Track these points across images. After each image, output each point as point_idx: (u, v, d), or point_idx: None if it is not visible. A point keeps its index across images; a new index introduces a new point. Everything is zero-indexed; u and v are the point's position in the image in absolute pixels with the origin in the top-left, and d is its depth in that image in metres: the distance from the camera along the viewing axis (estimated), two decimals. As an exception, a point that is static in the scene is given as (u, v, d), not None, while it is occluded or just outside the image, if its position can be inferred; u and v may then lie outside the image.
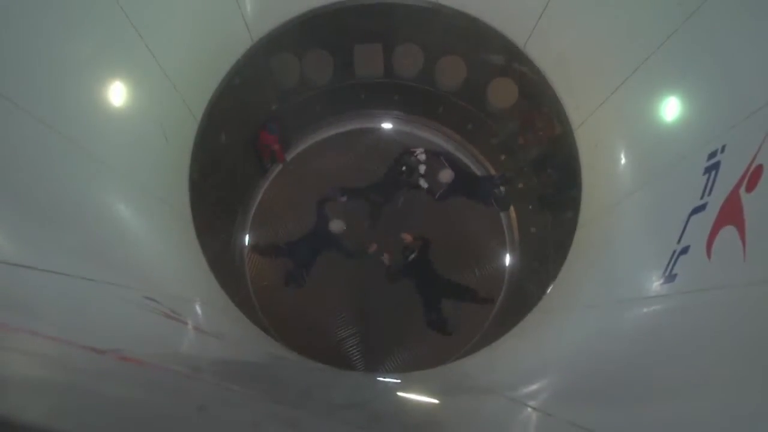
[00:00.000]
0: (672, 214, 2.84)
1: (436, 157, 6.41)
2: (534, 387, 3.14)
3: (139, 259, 3.37)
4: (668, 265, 2.72)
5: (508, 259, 6.37)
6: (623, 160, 3.90)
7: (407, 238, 6.05)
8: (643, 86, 3.59)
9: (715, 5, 2.84)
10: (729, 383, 1.81)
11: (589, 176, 4.55)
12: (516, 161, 6.17)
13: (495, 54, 5.28)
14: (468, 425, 2.65)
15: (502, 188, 6.25)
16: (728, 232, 2.27)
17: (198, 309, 3.77)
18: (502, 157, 6.32)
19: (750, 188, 2.20)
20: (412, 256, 5.93)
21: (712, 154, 2.64)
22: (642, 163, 3.66)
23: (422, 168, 6.31)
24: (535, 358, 3.89)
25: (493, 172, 6.47)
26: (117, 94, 3.33)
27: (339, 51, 5.80)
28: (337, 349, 6.01)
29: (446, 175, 6.17)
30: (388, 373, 5.91)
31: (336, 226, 6.02)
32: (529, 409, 2.63)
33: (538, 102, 5.22)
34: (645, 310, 2.86)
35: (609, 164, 4.07)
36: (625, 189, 3.74)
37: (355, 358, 6.04)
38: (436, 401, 3.54)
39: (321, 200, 6.20)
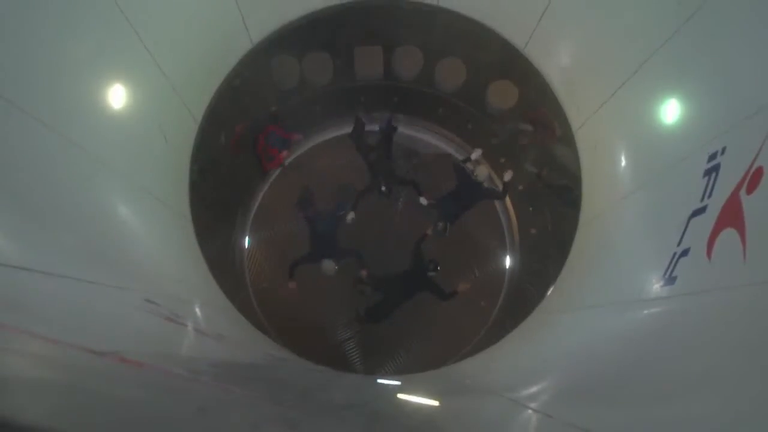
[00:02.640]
0: (672, 216, 2.84)
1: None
2: (534, 388, 3.13)
3: (138, 260, 3.36)
4: (668, 267, 2.72)
5: (508, 261, 6.37)
6: (623, 162, 3.90)
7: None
8: (643, 87, 3.60)
9: (714, 6, 2.85)
10: (729, 385, 1.81)
11: (589, 178, 4.55)
12: (516, 162, 6.16)
13: (495, 56, 5.28)
14: (468, 427, 2.65)
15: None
16: (728, 234, 2.27)
17: (198, 311, 3.76)
18: (502, 159, 6.32)
19: (750, 190, 2.20)
20: (433, 273, 5.69)
21: (712, 156, 2.64)
22: (642, 165, 3.66)
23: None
24: (535, 360, 3.89)
25: (495, 177, 6.44)
26: (116, 95, 3.33)
27: (339, 53, 5.81)
28: (337, 350, 6.00)
29: (483, 173, 5.63)
30: (388, 374, 5.91)
31: (327, 266, 5.66)
32: (530, 411, 2.62)
33: (538, 103, 5.23)
34: (645, 311, 2.86)
35: (609, 166, 4.07)
36: (625, 191, 3.75)
37: (354, 360, 6.03)
38: (436, 403, 3.53)
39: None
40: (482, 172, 5.62)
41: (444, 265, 6.06)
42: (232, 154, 5.65)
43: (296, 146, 6.49)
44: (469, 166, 5.73)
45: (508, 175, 5.48)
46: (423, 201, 5.90)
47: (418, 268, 5.70)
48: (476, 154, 5.74)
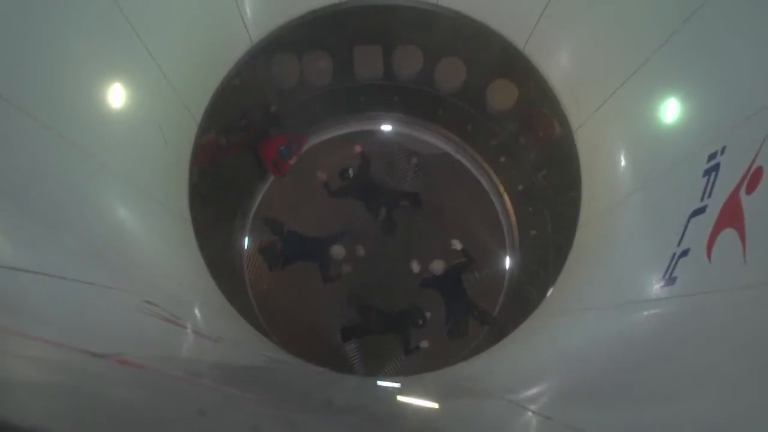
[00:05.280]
0: (672, 216, 2.84)
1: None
2: (534, 390, 3.13)
3: (137, 261, 3.36)
4: (668, 267, 2.72)
5: (507, 262, 6.37)
6: (623, 162, 3.90)
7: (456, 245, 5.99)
8: (642, 87, 3.59)
9: (714, 6, 2.84)
10: (729, 386, 1.81)
11: (589, 178, 4.54)
12: (516, 163, 6.16)
13: (495, 55, 5.28)
14: (468, 429, 2.65)
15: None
16: (728, 234, 2.26)
17: (197, 312, 3.76)
18: (502, 159, 6.32)
19: (750, 190, 2.20)
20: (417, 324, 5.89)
21: (712, 156, 2.64)
22: (642, 165, 3.66)
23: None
24: (534, 362, 3.88)
25: (494, 177, 6.46)
26: (116, 95, 3.32)
27: (339, 52, 5.81)
28: (336, 352, 6.00)
29: (438, 266, 5.99)
30: (387, 376, 5.90)
31: (337, 250, 5.99)
32: (529, 413, 2.62)
33: (538, 103, 5.23)
34: (645, 313, 2.85)
35: (609, 166, 4.07)
36: (624, 191, 3.74)
37: (354, 362, 6.03)
38: (435, 405, 3.53)
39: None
40: (437, 266, 5.91)
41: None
42: (200, 165, 4.93)
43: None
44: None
45: (457, 244, 5.91)
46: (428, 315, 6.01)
47: (405, 317, 5.93)
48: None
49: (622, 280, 3.38)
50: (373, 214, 6.27)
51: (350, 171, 6.05)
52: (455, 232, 6.27)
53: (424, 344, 5.91)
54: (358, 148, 6.08)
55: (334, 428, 2.04)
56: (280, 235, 6.07)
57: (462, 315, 5.91)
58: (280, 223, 6.12)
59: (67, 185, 2.79)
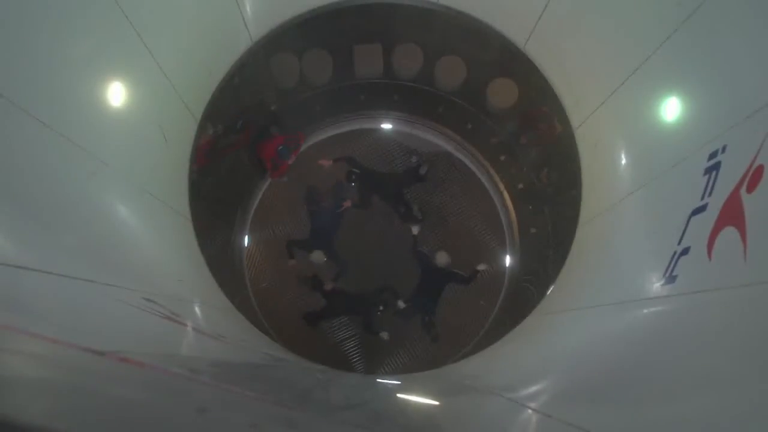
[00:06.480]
0: (672, 214, 2.84)
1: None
2: (534, 388, 3.13)
3: (137, 259, 3.36)
4: (669, 266, 2.72)
5: (507, 260, 6.37)
6: (623, 161, 3.90)
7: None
8: (643, 86, 3.59)
9: (714, 5, 2.84)
10: (730, 384, 1.81)
11: (589, 176, 4.54)
12: (516, 161, 6.16)
13: (495, 54, 5.27)
14: (468, 426, 2.65)
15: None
16: (729, 232, 2.26)
17: (197, 310, 3.76)
18: (502, 158, 6.32)
19: (751, 189, 2.20)
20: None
21: (713, 155, 2.64)
22: (642, 164, 3.66)
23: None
24: (534, 360, 3.89)
25: (495, 176, 6.47)
26: (116, 94, 3.32)
27: (338, 51, 5.80)
28: (336, 350, 6.00)
29: (442, 258, 6.08)
30: (387, 374, 5.91)
31: (317, 256, 6.10)
32: (529, 411, 2.63)
33: (538, 102, 5.22)
34: (645, 311, 2.86)
35: (609, 164, 4.07)
36: (625, 189, 3.74)
37: (354, 360, 6.03)
38: (436, 402, 3.54)
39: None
40: (441, 258, 6.01)
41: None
42: (200, 164, 4.91)
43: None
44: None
45: (481, 266, 6.02)
46: (400, 304, 6.09)
47: (372, 302, 6.01)
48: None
49: (622, 279, 3.38)
50: (394, 208, 6.36)
51: (353, 170, 6.14)
52: (455, 231, 6.28)
53: (385, 336, 6.01)
54: (326, 162, 6.31)
55: (334, 426, 2.05)
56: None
57: (421, 312, 6.00)
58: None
59: (67, 184, 2.80)
